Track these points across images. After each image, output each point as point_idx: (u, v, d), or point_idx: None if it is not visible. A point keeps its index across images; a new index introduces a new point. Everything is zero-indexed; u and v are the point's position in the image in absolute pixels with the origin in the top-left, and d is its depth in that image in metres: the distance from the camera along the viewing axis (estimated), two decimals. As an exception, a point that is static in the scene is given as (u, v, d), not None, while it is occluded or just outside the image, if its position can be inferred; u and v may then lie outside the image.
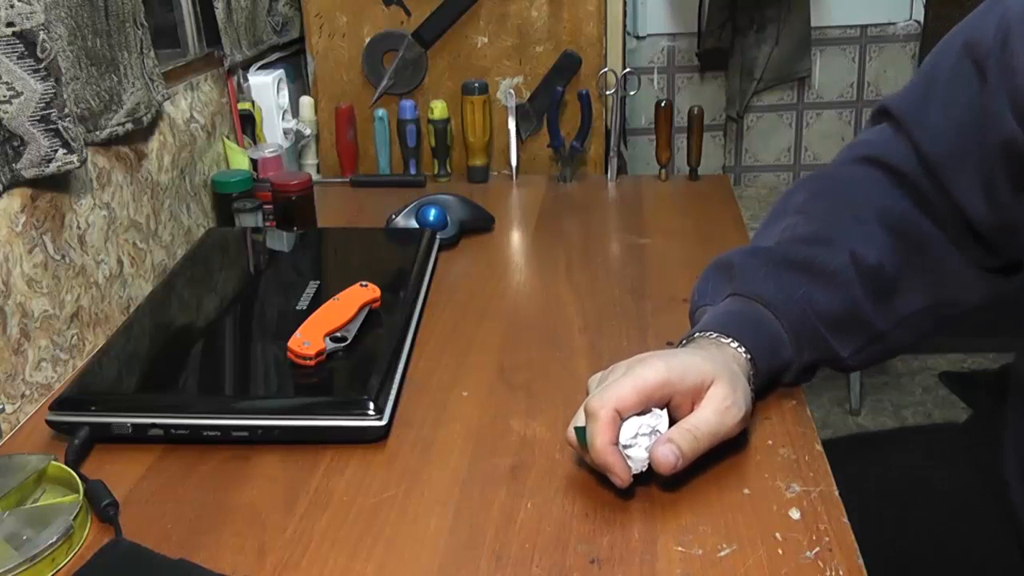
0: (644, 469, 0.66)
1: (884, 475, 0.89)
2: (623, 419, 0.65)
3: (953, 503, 0.84)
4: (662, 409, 0.67)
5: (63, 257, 0.92)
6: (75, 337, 0.94)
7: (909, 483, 0.87)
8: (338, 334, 0.84)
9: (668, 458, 0.63)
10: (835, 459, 0.70)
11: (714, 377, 0.67)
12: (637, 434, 0.65)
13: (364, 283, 0.91)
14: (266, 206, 1.22)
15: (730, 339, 0.73)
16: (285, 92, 1.46)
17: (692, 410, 0.67)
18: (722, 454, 0.69)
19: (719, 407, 0.66)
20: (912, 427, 2.01)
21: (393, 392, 0.80)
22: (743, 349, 0.73)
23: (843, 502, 0.66)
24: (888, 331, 0.78)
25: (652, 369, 0.66)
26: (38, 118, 0.83)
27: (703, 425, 0.66)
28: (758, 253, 0.80)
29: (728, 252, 0.83)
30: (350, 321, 0.86)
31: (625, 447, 0.65)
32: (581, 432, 0.66)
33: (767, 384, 0.76)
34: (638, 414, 0.66)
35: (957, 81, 0.72)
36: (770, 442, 0.72)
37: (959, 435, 1.00)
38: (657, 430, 0.66)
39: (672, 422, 0.67)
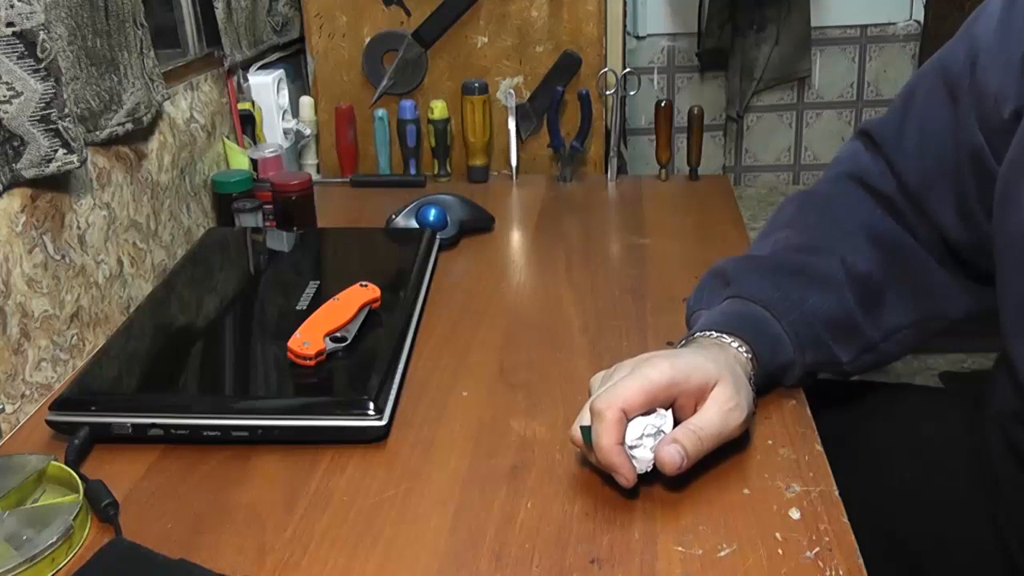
0: (649, 469, 0.66)
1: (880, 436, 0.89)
2: (629, 419, 0.65)
3: (940, 459, 0.84)
4: (667, 409, 0.67)
5: (63, 257, 0.92)
6: (75, 337, 0.94)
7: (900, 441, 0.87)
8: (338, 334, 0.84)
9: (674, 458, 0.64)
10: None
11: (718, 378, 0.67)
12: (643, 435, 0.65)
13: (364, 283, 0.91)
14: (266, 206, 1.22)
15: (731, 338, 0.73)
16: (285, 92, 1.46)
17: (695, 410, 0.67)
18: (722, 454, 0.69)
19: (723, 408, 0.67)
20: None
21: (393, 392, 0.80)
22: (744, 348, 0.73)
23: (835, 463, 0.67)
24: (878, 343, 0.80)
25: (657, 370, 0.67)
26: (38, 118, 0.83)
27: (707, 426, 0.66)
28: (752, 260, 0.82)
29: (721, 261, 0.85)
30: (350, 321, 0.86)
31: (631, 447, 0.65)
32: (587, 431, 0.66)
33: (768, 384, 0.77)
34: (643, 414, 0.66)
35: (931, 104, 0.75)
36: (770, 442, 0.72)
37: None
38: (662, 431, 0.66)
39: (675, 422, 0.67)
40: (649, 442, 0.66)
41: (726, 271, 0.82)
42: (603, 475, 0.68)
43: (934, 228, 0.78)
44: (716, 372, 0.68)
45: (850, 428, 0.87)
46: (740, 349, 0.73)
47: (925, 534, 0.79)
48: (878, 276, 0.79)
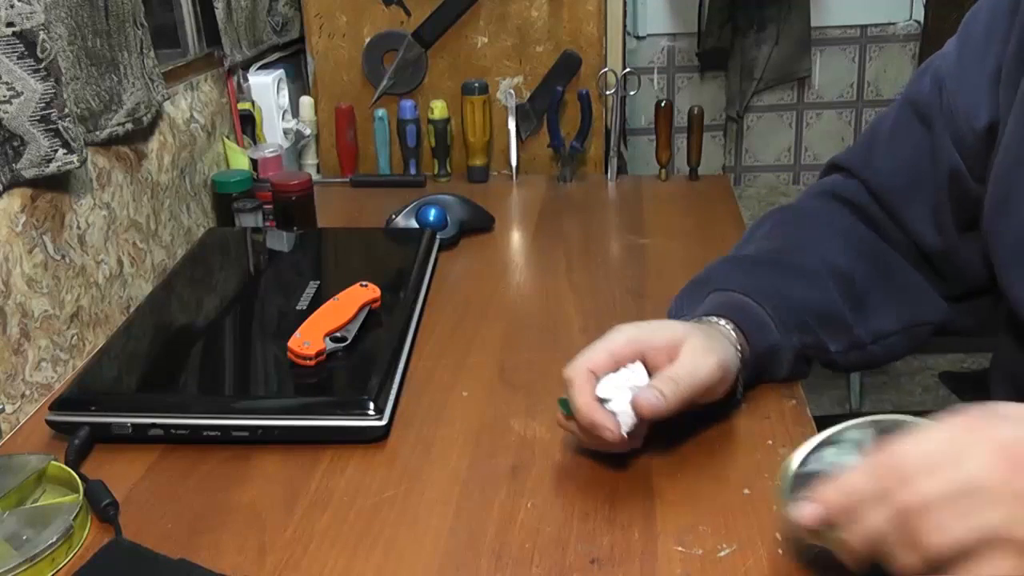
0: (633, 424, 0.65)
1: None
2: (598, 378, 0.66)
3: None
4: (636, 364, 0.68)
5: (63, 257, 0.92)
6: (75, 337, 0.94)
7: None
8: (338, 334, 0.84)
9: (650, 400, 0.64)
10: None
11: (686, 334, 0.69)
12: (617, 387, 0.66)
13: (364, 283, 0.91)
14: (266, 206, 1.22)
15: (718, 318, 0.75)
16: (285, 92, 1.46)
17: None
18: (723, 454, 0.69)
19: (695, 353, 0.67)
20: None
21: (393, 392, 0.80)
22: (731, 325, 0.74)
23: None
24: (867, 344, 0.81)
25: (619, 331, 0.69)
26: (38, 118, 0.83)
27: (680, 368, 0.67)
28: (729, 260, 0.85)
29: (699, 272, 0.86)
30: (350, 321, 0.86)
31: (605, 401, 0.66)
32: (563, 402, 0.67)
33: (760, 370, 0.77)
34: (615, 372, 0.67)
35: (900, 131, 0.79)
36: (770, 442, 0.72)
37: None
38: (636, 385, 0.66)
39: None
40: (627, 395, 0.66)
41: (705, 275, 0.84)
42: (604, 475, 0.68)
43: (908, 234, 0.80)
44: (684, 330, 0.69)
45: None
46: (727, 326, 0.74)
47: None
48: (860, 279, 0.80)
